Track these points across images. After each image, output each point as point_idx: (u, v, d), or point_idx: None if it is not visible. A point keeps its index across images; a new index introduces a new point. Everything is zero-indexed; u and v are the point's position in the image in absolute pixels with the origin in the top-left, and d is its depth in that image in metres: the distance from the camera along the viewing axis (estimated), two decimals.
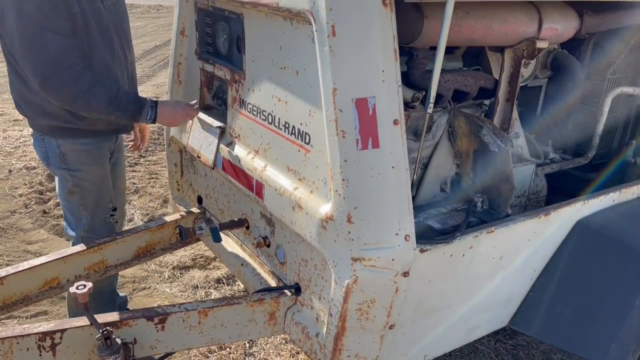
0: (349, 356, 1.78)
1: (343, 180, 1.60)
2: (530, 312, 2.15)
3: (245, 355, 2.89)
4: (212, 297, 3.37)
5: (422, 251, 1.67)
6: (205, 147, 2.38)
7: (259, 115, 2.04)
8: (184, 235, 2.12)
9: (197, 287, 3.50)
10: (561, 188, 2.61)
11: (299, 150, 1.83)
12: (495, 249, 1.89)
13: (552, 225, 2.03)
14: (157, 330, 1.85)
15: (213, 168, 2.31)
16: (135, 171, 5.37)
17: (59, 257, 2.16)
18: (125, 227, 4.25)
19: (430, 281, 1.77)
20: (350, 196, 1.60)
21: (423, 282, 1.75)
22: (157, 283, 3.54)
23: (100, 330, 1.67)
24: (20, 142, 6.23)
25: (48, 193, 4.81)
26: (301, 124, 1.81)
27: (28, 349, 1.69)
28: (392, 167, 1.59)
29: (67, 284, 2.22)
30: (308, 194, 1.80)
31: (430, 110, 1.73)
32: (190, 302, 1.91)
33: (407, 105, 2.06)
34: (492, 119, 2.42)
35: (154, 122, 2.14)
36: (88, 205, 2.34)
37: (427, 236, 1.75)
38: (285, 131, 1.90)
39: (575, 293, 2.08)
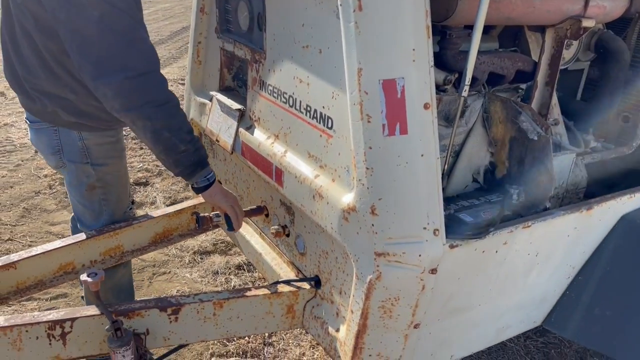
0: (370, 355, 1.67)
1: (367, 168, 1.48)
2: (567, 312, 2.01)
3: (264, 344, 2.82)
4: (232, 284, 3.31)
5: (452, 247, 1.54)
6: (224, 131, 2.29)
7: (279, 97, 1.92)
8: (201, 223, 2.03)
9: (217, 272, 3.44)
10: (602, 180, 2.44)
11: (321, 136, 1.71)
12: (531, 245, 1.75)
13: (594, 220, 1.88)
14: (171, 322, 1.77)
15: (232, 152, 2.22)
16: None
17: (73, 241, 2.10)
18: (147, 211, 4.22)
19: (460, 279, 1.64)
20: (375, 186, 1.48)
21: (452, 279, 1.62)
22: (178, 268, 3.49)
23: (111, 321, 1.61)
24: None
25: None
26: (323, 107, 1.69)
27: (37, 338, 1.63)
28: (422, 155, 1.46)
29: (82, 269, 2.17)
30: (329, 183, 1.68)
31: (465, 94, 1.59)
32: (205, 293, 1.83)
33: (438, 89, 1.92)
34: (530, 104, 2.26)
35: (204, 190, 1.94)
36: (111, 200, 2.20)
37: (457, 230, 1.62)
38: (306, 115, 1.78)
39: (617, 293, 1.93)
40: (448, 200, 1.84)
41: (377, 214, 1.49)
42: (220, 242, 3.78)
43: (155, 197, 4.44)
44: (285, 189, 1.89)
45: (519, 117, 1.80)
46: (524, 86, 2.36)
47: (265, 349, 2.78)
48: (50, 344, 1.65)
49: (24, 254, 1.99)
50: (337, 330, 1.77)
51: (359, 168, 1.50)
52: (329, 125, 1.67)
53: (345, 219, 1.59)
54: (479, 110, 1.91)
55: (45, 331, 1.63)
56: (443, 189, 1.97)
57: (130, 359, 1.62)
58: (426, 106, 1.46)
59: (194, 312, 1.79)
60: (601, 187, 2.30)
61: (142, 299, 1.90)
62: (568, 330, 2.00)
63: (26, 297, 2.89)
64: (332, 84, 1.62)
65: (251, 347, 2.77)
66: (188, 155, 1.84)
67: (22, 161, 5.15)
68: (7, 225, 3.90)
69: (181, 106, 1.86)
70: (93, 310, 1.69)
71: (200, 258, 3.61)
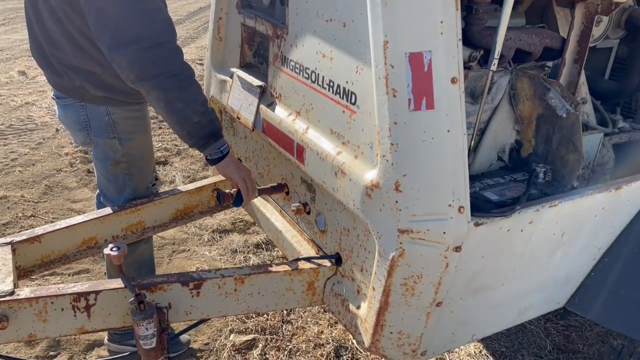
0: (391, 332, 1.67)
1: (392, 144, 1.45)
2: (591, 293, 1.98)
3: (282, 322, 2.83)
4: (251, 262, 3.33)
5: (477, 225, 1.51)
6: (245, 108, 2.27)
7: (301, 73, 1.90)
8: (222, 200, 2.03)
9: (236, 251, 3.46)
10: (629, 161, 2.38)
11: (344, 112, 1.69)
12: (557, 225, 1.71)
13: (622, 200, 1.83)
14: (192, 296, 1.78)
15: (253, 130, 2.20)
16: None
17: (96, 216, 2.12)
18: (166, 189, 4.24)
19: (484, 257, 1.62)
20: (399, 162, 1.46)
21: (476, 258, 1.60)
22: (197, 246, 3.52)
23: (134, 294, 1.62)
24: None
25: None
26: (347, 82, 1.66)
27: (62, 309, 1.66)
28: (448, 131, 1.43)
29: (105, 244, 2.19)
30: (352, 159, 1.66)
31: (493, 68, 1.55)
32: (226, 269, 1.83)
33: (464, 65, 1.88)
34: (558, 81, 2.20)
35: (217, 161, 1.95)
36: (134, 175, 2.22)
37: (482, 208, 1.59)
38: (329, 90, 1.75)
39: None
40: (472, 178, 1.80)
41: (401, 190, 1.47)
42: (239, 221, 3.80)
43: (174, 176, 4.47)
44: (307, 166, 1.88)
45: (547, 93, 1.76)
46: (550, 64, 2.30)
47: (284, 326, 2.80)
48: (75, 315, 1.67)
49: (48, 227, 2.01)
50: (358, 307, 1.77)
51: (383, 144, 1.48)
52: (353, 101, 1.64)
53: (368, 195, 1.57)
54: (505, 87, 1.87)
55: (70, 303, 1.65)
56: (469, 166, 1.95)
57: (153, 331, 1.64)
58: (454, 80, 1.42)
59: (215, 287, 1.79)
60: (629, 168, 2.25)
61: (164, 273, 1.92)
62: (592, 312, 1.97)
63: (49, 272, 2.95)
64: (357, 58, 1.59)
65: (270, 325, 2.79)
66: (201, 126, 1.84)
67: (44, 139, 5.21)
68: (30, 202, 3.96)
69: (197, 79, 1.85)
70: (117, 283, 1.71)
71: (219, 236, 3.63)
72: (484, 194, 1.68)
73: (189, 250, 3.48)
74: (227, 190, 2.06)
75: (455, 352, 2.68)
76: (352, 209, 1.66)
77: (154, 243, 3.48)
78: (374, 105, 1.49)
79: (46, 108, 6.13)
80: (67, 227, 2.04)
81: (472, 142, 1.81)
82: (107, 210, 2.17)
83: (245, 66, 2.42)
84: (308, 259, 1.94)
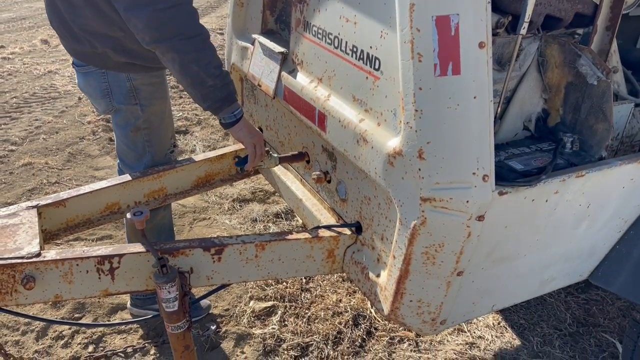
0: (411, 301, 1.67)
1: (416, 111, 1.43)
2: (615, 266, 1.95)
3: (301, 290, 2.86)
4: (271, 231, 3.35)
5: (501, 194, 1.49)
6: (266, 75, 2.25)
7: (324, 38, 1.86)
8: (243, 168, 2.03)
9: (255, 220, 3.48)
10: None
11: (367, 78, 1.66)
12: (583, 196, 1.68)
13: None
14: (214, 261, 1.80)
15: (274, 97, 2.18)
16: None
17: (118, 182, 2.14)
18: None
19: (507, 227, 1.60)
20: (424, 129, 1.43)
21: (499, 227, 1.58)
22: (217, 214, 3.55)
23: (157, 258, 1.64)
24: None
25: None
26: (371, 47, 1.62)
27: (87, 272, 1.69)
28: (474, 98, 1.40)
29: (127, 209, 2.21)
30: (375, 127, 1.64)
31: (523, 31, 1.50)
32: (247, 235, 1.84)
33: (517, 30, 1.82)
34: None
35: (230, 125, 1.92)
36: (153, 142, 2.23)
37: (507, 177, 1.56)
38: (352, 56, 1.72)
39: None
40: (498, 147, 1.77)
41: (424, 158, 1.44)
42: (259, 191, 3.81)
43: (194, 145, 4.49)
44: (329, 133, 1.86)
45: (578, 60, 1.70)
46: (580, 31, 2.22)
47: (303, 294, 2.83)
48: (99, 278, 1.71)
49: (73, 192, 2.04)
50: (378, 275, 1.77)
51: (407, 110, 1.45)
52: (376, 67, 1.61)
53: (391, 163, 1.55)
54: (534, 54, 1.81)
55: (95, 265, 1.68)
56: (494, 134, 1.92)
57: (175, 295, 1.66)
58: (481, 45, 1.38)
59: (236, 252, 1.81)
60: None
61: (186, 239, 1.94)
62: (615, 284, 1.95)
63: (74, 237, 3.01)
64: (381, 22, 1.55)
65: (289, 292, 2.82)
66: (215, 90, 1.83)
67: (67, 108, 5.26)
68: (54, 169, 4.03)
69: (217, 48, 1.83)
70: (140, 247, 1.73)
71: (239, 205, 3.66)
72: (509, 163, 1.64)
73: (209, 218, 3.51)
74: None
75: (474, 324, 2.68)
76: (373, 177, 1.64)
77: (175, 211, 3.53)
78: (398, 70, 1.46)
79: (69, 77, 6.18)
80: (90, 192, 2.07)
81: (499, 110, 1.77)
82: (129, 176, 2.19)
83: (267, 32, 2.39)
84: (328, 227, 1.94)
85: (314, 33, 1.93)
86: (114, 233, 3.25)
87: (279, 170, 2.43)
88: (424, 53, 1.39)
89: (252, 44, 2.37)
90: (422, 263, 1.58)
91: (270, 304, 2.74)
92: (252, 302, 2.74)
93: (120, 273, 1.72)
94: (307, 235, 1.88)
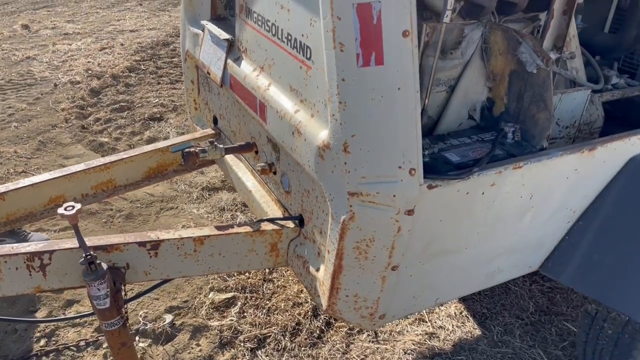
0: (347, 295, 1.63)
1: (340, 102, 1.37)
2: (565, 257, 1.91)
3: (264, 281, 2.83)
4: (238, 220, 3.31)
5: (430, 187, 1.44)
6: (214, 63, 2.19)
7: (263, 25, 1.80)
8: (186, 159, 1.98)
9: (224, 209, 3.44)
10: (629, 120, 2.26)
11: (301, 67, 1.61)
12: (524, 187, 1.63)
13: (598, 161, 1.74)
14: (150, 257, 1.76)
15: (221, 86, 2.13)
16: (175, 89, 5.29)
17: (61, 174, 2.09)
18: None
19: (442, 221, 1.55)
20: (348, 122, 1.38)
21: (432, 221, 1.54)
22: (185, 203, 3.51)
23: (85, 255, 1.60)
24: (68, 57, 6.27)
25: (89, 108, 4.84)
26: (302, 35, 1.57)
27: (17, 268, 1.65)
28: (398, 89, 1.35)
29: (74, 201, 2.17)
30: (308, 118, 1.59)
31: (447, 20, 1.44)
32: (185, 229, 1.80)
33: (442, 18, 1.76)
34: (544, 35, 2.07)
35: None
36: None
37: (440, 170, 1.52)
38: (287, 44, 1.66)
39: (619, 240, 1.81)
40: (438, 138, 1.72)
41: (349, 151, 1.40)
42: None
43: (168, 132, 4.43)
44: (269, 124, 1.81)
45: (518, 47, 1.64)
46: (542, 16, 2.15)
47: (265, 285, 2.80)
48: (30, 275, 1.67)
49: (11, 185, 2.00)
50: (317, 269, 1.73)
51: (333, 102, 1.40)
52: (308, 56, 1.56)
53: (321, 156, 1.50)
54: (477, 41, 1.75)
55: (24, 262, 1.65)
56: (435, 124, 1.86)
57: (105, 292, 1.63)
58: (405, 34, 1.32)
59: (174, 247, 1.77)
60: (625, 127, 2.12)
61: (121, 234, 1.88)
62: (565, 276, 1.91)
63: (36, 229, 2.96)
64: (310, 10, 1.49)
65: (250, 283, 2.79)
66: None
67: (42, 95, 5.19)
68: (22, 157, 3.98)
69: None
70: (72, 243, 1.69)
71: (208, 194, 3.62)
72: (445, 154, 1.59)
73: (177, 207, 3.47)
74: (192, 149, 2.00)
75: (435, 314, 2.66)
76: (307, 170, 1.60)
77: (142, 200, 3.49)
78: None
79: (46, 62, 6.09)
80: (31, 185, 2.03)
81: (426, 99, 1.72)
82: (75, 168, 2.14)
83: (216, 18, 2.32)
84: (271, 220, 1.90)
85: (254, 20, 1.86)
86: (79, 223, 3.19)
87: (231, 161, 2.38)
88: (345, 42, 1.33)
89: (203, 30, 2.30)
90: (354, 258, 1.54)
91: (230, 295, 2.72)
92: (211, 294, 2.71)
93: (52, 269, 1.69)
94: (248, 229, 1.84)
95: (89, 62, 5.99)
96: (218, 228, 1.84)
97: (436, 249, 1.64)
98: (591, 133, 2.27)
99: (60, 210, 1.62)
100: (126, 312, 1.75)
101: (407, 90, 1.35)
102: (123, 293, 1.72)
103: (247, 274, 2.85)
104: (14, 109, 4.83)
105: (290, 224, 1.88)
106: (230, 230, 1.82)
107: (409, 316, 2.60)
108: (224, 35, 2.09)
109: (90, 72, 5.64)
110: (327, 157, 1.47)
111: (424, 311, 2.64)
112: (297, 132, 1.61)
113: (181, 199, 3.56)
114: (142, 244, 1.73)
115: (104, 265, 1.64)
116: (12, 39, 7.05)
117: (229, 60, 2.06)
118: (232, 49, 2.07)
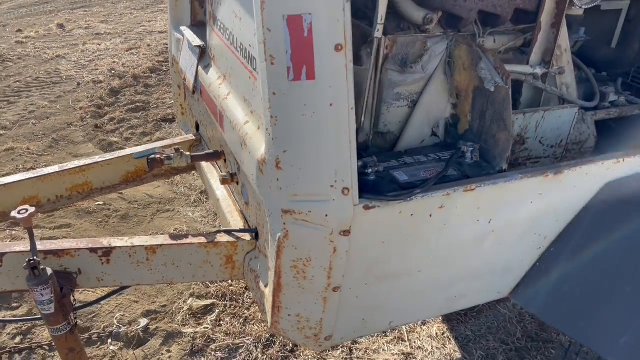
0: (289, 315, 1.58)
1: (272, 117, 1.33)
2: (534, 285, 1.80)
3: (246, 289, 2.80)
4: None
5: (367, 208, 1.37)
6: (189, 69, 2.18)
7: (224, 33, 1.78)
8: (151, 166, 1.97)
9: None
10: (626, 139, 2.12)
11: (250, 77, 1.57)
12: (479, 211, 1.54)
13: (567, 186, 1.62)
14: (102, 263, 1.75)
15: (193, 92, 2.11)
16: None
17: (34, 176, 2.12)
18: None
19: (385, 243, 1.48)
20: (279, 137, 1.33)
21: (374, 243, 1.47)
22: (182, 206, 3.52)
23: (27, 259, 1.60)
24: (95, 56, 6.44)
25: (106, 108, 4.94)
26: (250, 45, 1.53)
27: None
28: (330, 105, 1.29)
29: (48, 203, 2.20)
30: (255, 130, 1.55)
31: (378, 34, 1.37)
32: (139, 237, 1.79)
33: (419, 29, 1.69)
34: (532, 49, 1.97)
35: None
36: None
37: (384, 190, 1.44)
38: (240, 53, 1.63)
39: (590, 271, 1.69)
40: (392, 156, 1.65)
41: (281, 168, 1.35)
42: None
43: (178, 134, 4.47)
44: (225, 133, 1.78)
45: (479, 63, 1.55)
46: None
47: (246, 293, 2.77)
48: None
49: None
50: (266, 285, 1.69)
51: (266, 116, 1.35)
52: (254, 66, 1.52)
53: (261, 171, 1.46)
54: (441, 54, 1.66)
55: None
56: (397, 140, 1.79)
57: (49, 297, 1.63)
58: (338, 48, 1.26)
59: (126, 255, 1.76)
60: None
61: (75, 239, 1.88)
62: (534, 305, 1.80)
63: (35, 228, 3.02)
64: (253, 20, 1.45)
65: (232, 291, 2.77)
66: None
67: (64, 93, 5.34)
68: (34, 154, 4.09)
69: None
70: (23, 246, 1.70)
71: (206, 198, 3.62)
72: (394, 173, 1.52)
73: (173, 210, 3.49)
74: (157, 156, 1.99)
75: (416, 333, 2.57)
76: (252, 184, 1.56)
77: (140, 201, 3.52)
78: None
79: (74, 62, 6.27)
80: (3, 186, 2.06)
81: (367, 113, 1.65)
82: (48, 170, 2.17)
83: (196, 25, 2.31)
84: (228, 232, 1.86)
85: (219, 27, 1.84)
86: (73, 222, 3.26)
87: (206, 168, 2.36)
88: (276, 55, 1.28)
89: (183, 36, 2.30)
90: (293, 277, 1.49)
91: (209, 302, 2.70)
92: (190, 300, 2.71)
93: (4, 272, 1.70)
94: (202, 240, 1.81)
95: (114, 62, 6.13)
96: (172, 237, 1.82)
97: (383, 271, 1.56)
98: (582, 153, 2.14)
99: (14, 213, 1.64)
100: (75, 318, 1.75)
101: (340, 106, 1.29)
102: (72, 299, 1.72)
103: (230, 281, 2.83)
104: (36, 106, 4.99)
105: (247, 237, 1.84)
106: (184, 241, 1.80)
107: (386, 334, 2.51)
108: (196, 41, 2.08)
109: (113, 72, 5.77)
110: (266, 172, 1.43)
111: (404, 329, 2.56)
112: (244, 144, 1.57)
113: (179, 201, 3.58)
114: (93, 250, 1.73)
115: (49, 271, 1.64)
116: (46, 38, 7.30)
117: (199, 67, 2.04)
118: (204, 56, 2.05)
